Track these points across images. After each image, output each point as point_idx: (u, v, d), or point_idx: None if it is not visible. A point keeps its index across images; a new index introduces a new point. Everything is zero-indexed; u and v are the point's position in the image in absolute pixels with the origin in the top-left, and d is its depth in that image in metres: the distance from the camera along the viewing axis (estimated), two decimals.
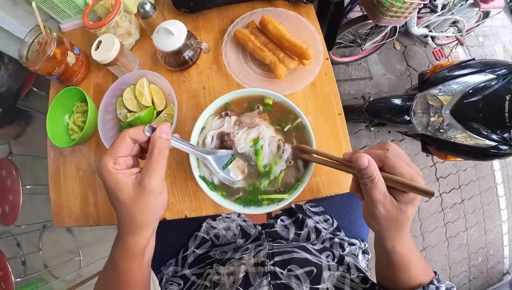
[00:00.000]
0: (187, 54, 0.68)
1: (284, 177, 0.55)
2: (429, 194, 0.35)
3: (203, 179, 0.56)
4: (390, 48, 1.80)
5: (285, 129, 0.57)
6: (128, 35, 0.74)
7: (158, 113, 0.67)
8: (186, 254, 0.75)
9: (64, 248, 1.53)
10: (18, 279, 1.35)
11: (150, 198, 0.38)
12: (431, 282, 0.45)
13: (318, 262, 0.56)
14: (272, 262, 0.56)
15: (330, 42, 1.00)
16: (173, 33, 0.62)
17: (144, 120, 0.65)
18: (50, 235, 1.54)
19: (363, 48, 1.63)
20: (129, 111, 0.68)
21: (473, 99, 1.06)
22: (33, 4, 0.64)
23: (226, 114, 0.56)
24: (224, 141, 0.54)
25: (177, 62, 0.68)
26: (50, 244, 1.54)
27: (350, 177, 0.67)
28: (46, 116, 0.71)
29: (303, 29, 0.71)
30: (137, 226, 0.40)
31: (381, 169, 0.39)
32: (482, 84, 1.06)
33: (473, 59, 1.19)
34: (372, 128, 1.54)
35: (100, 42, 0.66)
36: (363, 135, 1.60)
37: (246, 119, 0.54)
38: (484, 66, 1.13)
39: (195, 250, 0.75)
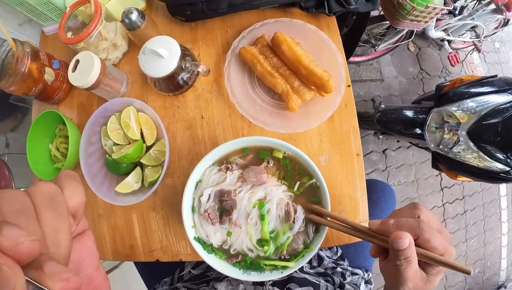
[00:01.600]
0: (182, 77, 0.53)
1: (291, 243, 0.44)
2: (466, 272, 0.31)
3: (199, 240, 0.44)
4: (404, 49, 1.60)
5: (295, 189, 0.44)
6: (114, 47, 0.59)
7: (148, 148, 0.54)
8: (182, 274, 0.68)
9: None
10: None
11: None
12: None
13: (316, 282, 0.54)
14: (271, 282, 0.53)
15: (348, 52, 0.85)
16: (163, 56, 0.47)
17: (132, 158, 0.52)
18: None
19: (376, 49, 1.45)
20: (115, 144, 0.55)
21: (492, 121, 0.96)
22: None
23: (227, 169, 0.43)
24: (223, 201, 0.42)
25: (170, 87, 0.54)
26: None
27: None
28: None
29: (323, 48, 0.56)
30: None
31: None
32: (504, 106, 0.96)
33: (496, 76, 1.06)
34: (380, 136, 1.42)
35: (77, 61, 0.52)
36: (370, 141, 1.47)
37: (251, 175, 0.41)
38: (508, 85, 1.01)
39: (191, 270, 0.68)
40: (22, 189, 0.18)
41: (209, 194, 0.42)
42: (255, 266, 0.44)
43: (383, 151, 1.49)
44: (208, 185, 0.43)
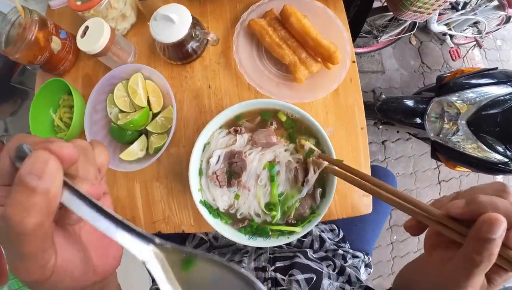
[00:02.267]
0: (191, 46, 0.54)
1: (298, 208, 0.45)
2: None
3: (205, 203, 0.45)
4: (406, 42, 1.63)
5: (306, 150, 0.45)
6: (123, 18, 0.60)
7: (155, 115, 0.55)
8: None
9: None
10: None
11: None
12: None
13: (319, 269, 0.53)
14: (273, 267, 0.52)
15: (353, 36, 0.86)
16: (174, 21, 0.48)
17: (138, 125, 0.52)
18: None
19: (378, 40, 1.47)
20: (121, 111, 0.55)
21: (492, 112, 0.98)
22: None
23: (236, 131, 0.43)
24: (233, 163, 0.42)
25: (179, 55, 0.55)
26: None
27: (365, 198, 0.58)
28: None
29: (330, 24, 0.57)
30: None
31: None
32: (502, 97, 0.98)
33: (496, 68, 1.08)
34: (380, 126, 1.44)
35: (87, 28, 0.52)
36: (370, 132, 1.49)
37: (261, 138, 0.42)
38: (508, 77, 1.03)
39: None
40: None
41: (219, 156, 0.43)
42: (261, 231, 0.45)
43: (383, 142, 1.51)
44: (217, 147, 0.44)
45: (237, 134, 0.44)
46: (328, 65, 0.54)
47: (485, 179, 1.58)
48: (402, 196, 0.29)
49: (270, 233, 0.45)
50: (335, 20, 0.58)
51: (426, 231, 0.28)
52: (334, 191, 0.44)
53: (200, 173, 0.45)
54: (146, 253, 0.18)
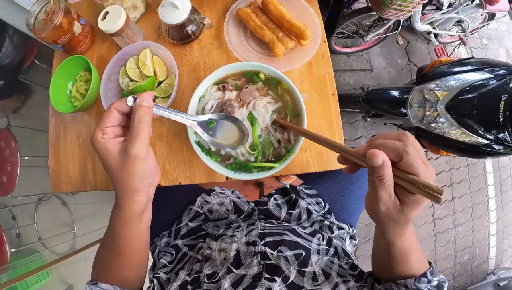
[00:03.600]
0: (190, 28, 0.72)
1: (275, 148, 0.60)
2: (437, 198, 0.32)
3: (199, 144, 0.61)
4: (393, 42, 1.83)
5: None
6: (134, 8, 0.78)
7: (159, 83, 0.72)
8: (179, 226, 0.79)
9: (59, 221, 1.58)
10: (13, 250, 1.39)
11: (135, 164, 0.41)
12: (424, 275, 0.46)
13: (307, 246, 0.58)
14: (263, 242, 0.57)
15: (330, 28, 1.04)
16: (178, 7, 0.66)
17: (145, 89, 0.69)
18: (45, 208, 1.59)
19: (365, 40, 1.66)
20: (131, 80, 0.72)
21: (469, 96, 1.09)
22: None
23: (224, 87, 0.60)
24: (223, 110, 0.59)
25: (180, 36, 0.72)
26: (45, 217, 1.59)
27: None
28: (46, 89, 0.75)
29: (304, 12, 0.76)
30: (129, 191, 0.43)
31: (394, 164, 0.36)
32: (479, 83, 1.10)
33: (473, 57, 1.23)
34: (368, 119, 1.59)
35: (107, 13, 0.70)
36: (359, 126, 1.65)
37: (247, 96, 0.59)
38: (483, 65, 1.16)
39: (188, 223, 0.79)
40: None
41: (212, 104, 0.59)
42: (244, 168, 0.60)
43: (372, 136, 1.66)
44: (210, 98, 0.60)
45: (226, 91, 0.60)
46: (301, 42, 0.72)
47: (475, 170, 1.72)
48: (333, 143, 0.46)
49: (252, 169, 0.60)
50: (307, 8, 0.76)
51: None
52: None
53: None
54: (193, 123, 0.48)
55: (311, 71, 0.74)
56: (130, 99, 0.42)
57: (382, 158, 0.34)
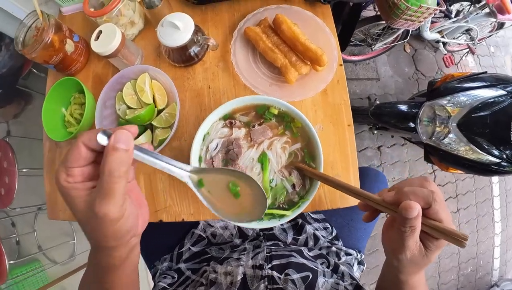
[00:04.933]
0: (193, 50, 0.63)
1: (288, 194, 0.52)
2: (462, 243, 0.32)
3: None
4: (400, 50, 1.73)
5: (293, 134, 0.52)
6: (131, 24, 0.69)
7: (159, 112, 0.63)
8: (181, 250, 0.73)
9: (59, 230, 1.51)
10: (11, 261, 1.32)
11: (105, 226, 0.30)
12: None
13: (314, 267, 0.56)
14: (270, 265, 0.55)
15: (343, 44, 0.94)
16: (179, 28, 0.56)
17: (144, 119, 0.60)
18: (45, 216, 1.51)
19: (373, 49, 1.57)
20: (129, 107, 0.63)
21: (481, 114, 1.03)
22: None
23: (231, 123, 0.51)
24: (229, 150, 0.50)
25: (182, 58, 0.63)
26: (45, 225, 1.52)
27: None
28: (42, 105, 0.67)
29: (319, 31, 0.66)
30: (102, 248, 0.33)
31: (423, 211, 0.35)
32: (492, 100, 1.04)
33: (485, 72, 1.15)
34: (375, 131, 1.51)
35: (100, 32, 0.60)
36: (366, 137, 1.57)
37: (258, 136, 0.50)
38: (496, 81, 1.10)
39: (191, 247, 0.73)
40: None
41: (217, 143, 0.50)
42: None
43: (378, 147, 1.58)
44: (216, 137, 0.51)
45: (233, 128, 0.51)
46: (316, 68, 0.62)
47: (480, 181, 1.65)
48: (357, 191, 0.43)
49: (263, 216, 0.51)
50: (323, 27, 0.66)
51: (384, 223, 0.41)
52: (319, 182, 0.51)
53: (200, 160, 0.52)
54: (185, 175, 0.34)
55: (325, 99, 0.65)
56: (101, 137, 0.28)
57: (418, 210, 0.33)
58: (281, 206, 0.52)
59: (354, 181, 0.64)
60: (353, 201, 0.64)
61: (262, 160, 0.51)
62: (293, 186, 0.51)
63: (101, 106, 0.62)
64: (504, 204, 1.75)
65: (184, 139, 0.64)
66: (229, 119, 0.52)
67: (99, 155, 0.31)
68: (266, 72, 0.65)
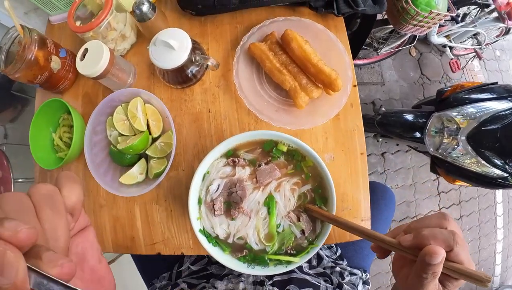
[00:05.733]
0: (191, 70, 0.54)
1: (296, 238, 0.44)
2: (485, 284, 0.29)
3: (204, 232, 0.45)
4: (406, 54, 1.63)
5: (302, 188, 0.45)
6: (122, 38, 0.60)
7: (154, 140, 0.55)
8: (181, 269, 0.69)
9: None
10: None
11: None
12: None
13: (316, 283, 0.54)
14: (271, 282, 0.53)
15: (352, 54, 0.86)
16: (173, 48, 0.48)
17: (138, 149, 0.52)
18: None
19: (378, 53, 1.47)
20: (121, 134, 0.55)
21: (492, 127, 0.98)
22: (5, 3, 0.49)
23: (234, 162, 0.43)
24: (232, 192, 0.42)
25: (178, 79, 0.54)
26: None
27: (364, 223, 0.58)
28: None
29: (331, 47, 0.57)
30: None
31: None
32: (503, 113, 0.98)
33: (496, 82, 1.09)
34: (380, 139, 1.44)
35: (86, 50, 0.52)
36: (370, 143, 1.49)
37: (265, 177, 0.42)
38: (507, 92, 1.04)
39: (190, 266, 0.68)
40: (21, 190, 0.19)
41: (218, 185, 0.42)
42: (259, 260, 0.45)
43: (382, 154, 1.51)
44: (217, 177, 0.43)
45: (237, 167, 0.43)
46: (329, 92, 0.54)
47: (484, 191, 1.58)
48: (373, 235, 0.36)
49: (268, 261, 0.44)
50: (336, 43, 0.57)
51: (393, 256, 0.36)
52: (331, 226, 0.43)
53: (199, 202, 0.45)
54: None
55: (337, 125, 0.57)
56: None
57: (443, 255, 0.29)
58: (288, 251, 0.44)
59: (364, 214, 0.57)
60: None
61: (269, 203, 0.43)
62: (302, 231, 0.44)
63: (91, 133, 0.54)
64: (506, 211, 1.69)
65: (182, 169, 0.56)
66: (232, 157, 0.44)
67: None
68: (272, 94, 0.57)
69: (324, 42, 0.58)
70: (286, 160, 0.45)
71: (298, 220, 0.43)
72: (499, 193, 1.68)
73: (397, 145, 1.49)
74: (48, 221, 0.19)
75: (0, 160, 1.22)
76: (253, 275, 0.55)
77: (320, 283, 0.54)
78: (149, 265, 0.74)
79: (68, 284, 0.16)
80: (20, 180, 1.22)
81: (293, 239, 0.44)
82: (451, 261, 0.30)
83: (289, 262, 0.44)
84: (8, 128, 1.60)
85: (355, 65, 1.57)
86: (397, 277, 0.36)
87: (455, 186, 1.58)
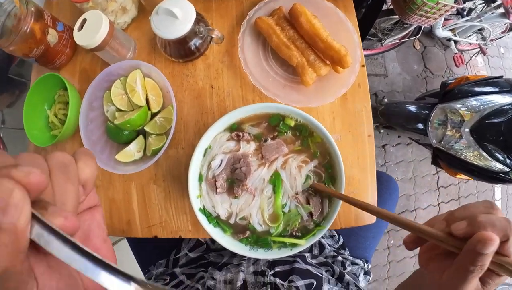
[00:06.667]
0: (194, 43, 0.51)
1: (302, 220, 0.42)
2: None
3: (204, 211, 0.42)
4: (410, 46, 1.59)
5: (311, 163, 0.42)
6: (123, 11, 0.56)
7: (153, 115, 0.51)
8: (178, 256, 0.67)
9: None
10: None
11: None
12: None
13: (319, 274, 0.52)
14: (272, 272, 0.51)
15: (361, 35, 0.83)
16: (177, 17, 0.44)
17: (136, 125, 0.49)
18: None
19: (382, 44, 1.44)
20: (118, 109, 0.52)
21: (496, 120, 0.96)
22: None
23: (238, 136, 0.40)
24: (236, 168, 0.39)
25: (181, 52, 0.51)
26: None
27: None
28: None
29: (340, 26, 0.54)
30: None
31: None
32: (507, 107, 0.97)
33: (501, 76, 1.07)
34: (382, 130, 1.41)
35: (84, 20, 0.48)
36: None
37: (272, 153, 0.39)
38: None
39: (188, 253, 0.66)
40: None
41: (221, 160, 0.39)
42: (262, 242, 0.42)
43: (383, 146, 1.48)
44: (220, 152, 0.40)
45: (241, 142, 0.40)
46: (337, 69, 0.51)
47: (483, 184, 1.56)
48: (400, 219, 0.31)
49: (272, 244, 0.42)
50: (345, 22, 0.54)
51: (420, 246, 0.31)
52: (339, 205, 0.40)
53: (200, 179, 0.42)
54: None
55: (345, 105, 0.54)
56: None
57: (497, 244, 0.24)
58: (293, 233, 0.42)
59: (371, 199, 0.54)
60: (369, 219, 0.55)
61: (275, 181, 0.40)
62: (310, 214, 0.41)
63: (86, 108, 0.51)
64: (505, 208, 1.67)
65: (181, 147, 0.53)
66: (236, 131, 0.41)
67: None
68: (278, 71, 0.54)
69: (332, 20, 0.55)
70: (294, 135, 0.42)
71: (308, 202, 0.40)
72: (498, 190, 1.66)
73: (399, 136, 1.47)
74: (59, 185, 0.18)
75: None
76: (253, 265, 0.53)
77: (322, 274, 0.53)
78: (145, 251, 0.72)
79: (68, 237, 0.15)
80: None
81: (299, 220, 0.42)
82: (502, 254, 0.26)
83: (294, 245, 0.42)
84: (6, 113, 1.56)
85: None
86: (427, 271, 0.31)
87: (455, 181, 1.56)
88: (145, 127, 0.50)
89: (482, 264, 0.25)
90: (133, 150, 0.50)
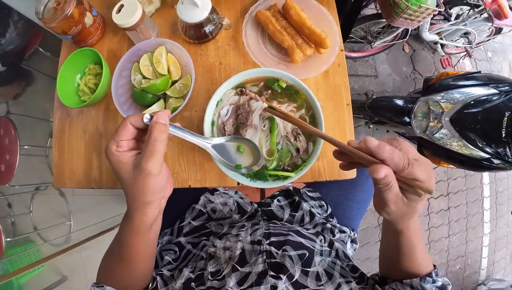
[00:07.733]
0: (208, 28, 0.70)
1: (291, 157, 0.59)
2: (429, 192, 0.37)
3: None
4: (399, 50, 1.82)
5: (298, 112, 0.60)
6: (149, 2, 0.75)
7: (173, 82, 0.69)
8: (182, 224, 0.78)
9: (55, 212, 1.54)
10: (8, 239, 1.35)
11: (148, 180, 0.41)
12: (429, 274, 0.48)
13: (311, 246, 0.60)
14: (268, 241, 0.59)
15: (343, 36, 1.03)
16: (198, 5, 0.63)
17: (159, 88, 0.67)
18: (42, 198, 1.55)
19: (372, 46, 1.66)
20: (144, 78, 0.69)
21: (474, 110, 1.11)
22: None
23: (242, 92, 0.58)
24: (238, 114, 0.57)
25: (197, 35, 0.70)
26: (42, 207, 1.55)
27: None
28: (49, 77, 0.72)
29: (322, 18, 0.74)
30: (140, 204, 0.43)
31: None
32: (484, 98, 1.12)
33: (479, 72, 1.23)
34: (371, 126, 1.59)
35: (122, 6, 0.67)
36: (362, 131, 1.65)
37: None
38: (489, 80, 1.18)
39: (191, 221, 0.78)
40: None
41: (228, 109, 0.57)
42: (260, 175, 0.59)
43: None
44: (227, 103, 0.58)
45: (242, 95, 0.59)
46: (320, 50, 0.70)
47: (472, 181, 1.74)
48: (342, 145, 0.44)
49: (268, 177, 0.59)
50: (327, 16, 0.74)
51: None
52: (321, 144, 0.58)
53: (213, 124, 0.59)
54: (208, 145, 0.45)
55: (327, 80, 0.73)
56: (147, 117, 0.42)
57: (385, 172, 0.36)
58: (285, 168, 0.59)
59: None
60: (350, 174, 0.70)
61: (271, 121, 0.58)
62: (297, 150, 0.58)
63: (118, 75, 0.68)
64: (494, 205, 1.84)
65: (195, 110, 0.71)
66: (240, 88, 0.59)
67: (139, 132, 0.45)
68: (274, 52, 0.73)
69: (317, 14, 0.74)
70: (283, 93, 0.60)
71: (295, 139, 0.58)
72: (487, 187, 1.84)
73: (387, 131, 1.65)
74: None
75: (8, 128, 1.32)
76: (250, 235, 0.62)
77: (314, 247, 0.61)
78: None
79: (183, 129, 0.46)
80: (26, 147, 1.32)
81: (289, 157, 0.59)
82: (409, 178, 0.37)
83: (286, 177, 0.58)
84: (11, 104, 1.69)
85: (350, 58, 1.75)
86: (374, 205, 0.44)
87: (444, 177, 1.73)
88: (166, 92, 0.68)
89: (384, 183, 0.37)
90: (155, 109, 0.67)
